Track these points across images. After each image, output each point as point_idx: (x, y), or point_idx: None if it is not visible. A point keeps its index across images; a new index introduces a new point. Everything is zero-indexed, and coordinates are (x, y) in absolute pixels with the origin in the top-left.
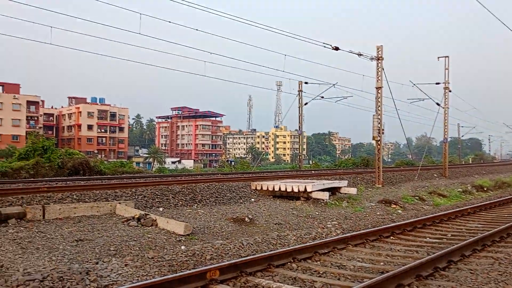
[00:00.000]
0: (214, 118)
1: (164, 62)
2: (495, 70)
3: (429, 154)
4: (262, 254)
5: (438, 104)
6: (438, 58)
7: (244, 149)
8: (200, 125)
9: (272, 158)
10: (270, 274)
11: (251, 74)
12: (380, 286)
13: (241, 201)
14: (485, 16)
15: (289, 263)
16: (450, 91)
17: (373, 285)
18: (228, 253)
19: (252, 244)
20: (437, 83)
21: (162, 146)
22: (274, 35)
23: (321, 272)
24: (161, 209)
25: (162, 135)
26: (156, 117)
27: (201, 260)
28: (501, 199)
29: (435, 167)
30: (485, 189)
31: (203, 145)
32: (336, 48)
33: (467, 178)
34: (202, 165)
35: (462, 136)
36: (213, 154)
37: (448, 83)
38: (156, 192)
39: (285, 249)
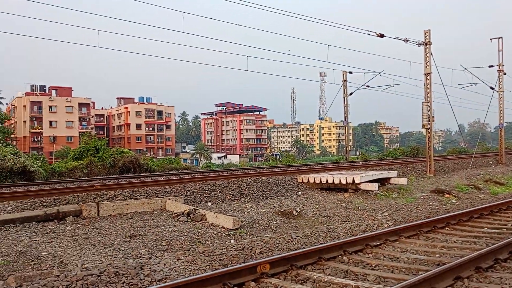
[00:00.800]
0: (258, 113)
1: (207, 59)
2: None
3: (483, 140)
4: (312, 247)
5: (492, 88)
6: (491, 39)
7: (288, 142)
8: (244, 120)
9: (318, 150)
10: (321, 267)
11: (294, 66)
12: (437, 279)
13: (288, 194)
14: None
15: (340, 256)
16: (505, 74)
17: (430, 278)
18: (277, 246)
19: (301, 237)
20: (491, 66)
21: (208, 142)
22: (316, 25)
23: (373, 265)
24: (209, 204)
25: (207, 131)
26: (201, 113)
27: (251, 254)
28: None
29: (490, 154)
30: None
31: (247, 139)
32: (382, 35)
33: None
34: (248, 160)
35: None
36: (258, 148)
37: (503, 65)
38: (204, 187)
39: (335, 242)
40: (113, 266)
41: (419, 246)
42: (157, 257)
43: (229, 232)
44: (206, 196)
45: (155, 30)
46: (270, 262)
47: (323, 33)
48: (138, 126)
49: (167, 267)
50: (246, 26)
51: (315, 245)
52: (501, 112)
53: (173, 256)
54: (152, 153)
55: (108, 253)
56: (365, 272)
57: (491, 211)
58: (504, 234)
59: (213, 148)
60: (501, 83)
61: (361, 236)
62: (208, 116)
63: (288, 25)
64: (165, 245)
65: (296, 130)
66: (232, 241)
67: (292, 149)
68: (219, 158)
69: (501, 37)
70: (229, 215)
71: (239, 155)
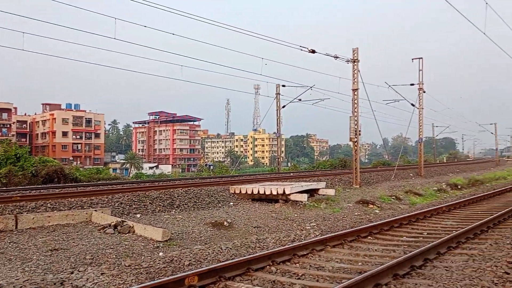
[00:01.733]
0: (192, 123)
1: (140, 67)
2: (468, 70)
3: (405, 154)
4: (241, 258)
5: (413, 105)
6: (412, 59)
7: (222, 153)
8: (177, 129)
9: (251, 161)
10: (249, 278)
11: (228, 78)
12: (358, 287)
13: (220, 205)
14: (457, 17)
15: (268, 266)
16: (424, 92)
17: (351, 286)
18: (206, 258)
19: (231, 249)
20: (412, 84)
21: (139, 151)
22: (251, 38)
23: (300, 274)
24: (138, 215)
25: (139, 141)
26: (133, 122)
27: (179, 266)
28: (475, 196)
29: (411, 166)
30: (459, 187)
31: (181, 149)
32: (313, 51)
33: (442, 177)
34: (180, 170)
35: (437, 135)
36: (191, 159)
37: (422, 84)
38: (133, 199)
39: (264, 252)
40: (30, 283)
41: (343, 255)
42: (79, 271)
43: (158, 244)
44: (135, 208)
45: (87, 36)
46: (199, 274)
47: (258, 46)
48: (65, 133)
49: (90, 282)
50: (181, 35)
51: (245, 256)
52: (421, 127)
53: (97, 270)
54: (79, 162)
55: (26, 269)
56: (291, 282)
57: (409, 221)
58: (420, 242)
59: (145, 158)
60: (421, 100)
61: (289, 246)
62: (140, 125)
63: (225, 37)
64: (89, 259)
65: (230, 141)
66: (160, 254)
67: (225, 159)
68: (151, 168)
69: (421, 58)
70: (159, 227)
71: (172, 165)
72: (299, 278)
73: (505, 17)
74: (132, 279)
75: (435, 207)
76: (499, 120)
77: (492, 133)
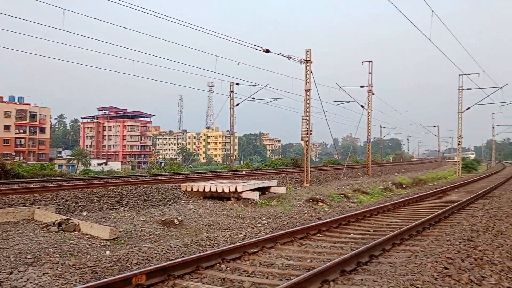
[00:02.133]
0: (143, 119)
1: (90, 60)
2: (415, 72)
3: (354, 153)
4: (191, 257)
5: (362, 106)
6: (363, 62)
7: (174, 150)
8: (128, 125)
9: (203, 159)
10: (199, 276)
11: (182, 75)
12: (306, 283)
13: (171, 203)
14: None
15: (218, 264)
16: (373, 94)
17: (300, 282)
18: (155, 256)
19: (180, 247)
20: (362, 86)
21: (87, 147)
22: (207, 36)
23: (250, 272)
24: (84, 213)
25: (87, 136)
26: (81, 117)
27: (126, 265)
28: (418, 195)
29: (359, 166)
30: (404, 186)
31: (131, 146)
32: (267, 51)
33: (388, 176)
34: (130, 167)
35: (384, 136)
36: (142, 156)
37: (372, 86)
38: (80, 196)
39: (214, 250)
40: None
41: (293, 252)
42: (19, 271)
43: (105, 243)
44: (81, 205)
45: (34, 26)
46: (146, 273)
47: (212, 43)
48: (7, 127)
49: (30, 282)
50: (132, 29)
51: (194, 254)
52: (369, 128)
53: (39, 270)
54: (22, 157)
55: None
56: (241, 279)
57: (357, 218)
58: (366, 239)
59: (93, 154)
60: (370, 102)
61: (239, 244)
62: (89, 120)
63: (181, 33)
64: (31, 258)
65: (183, 138)
66: (107, 252)
67: (177, 157)
68: (99, 164)
69: (371, 61)
70: (106, 225)
71: (122, 162)
72: (248, 276)
73: (449, 24)
74: (76, 279)
75: (381, 205)
76: (441, 123)
77: (435, 135)
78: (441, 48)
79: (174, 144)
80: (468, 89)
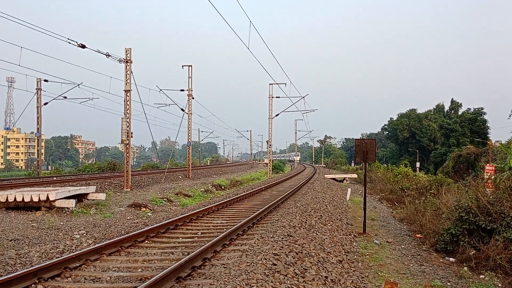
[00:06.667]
0: None
1: None
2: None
3: (173, 157)
4: None
5: (182, 110)
6: (183, 66)
7: None
8: None
9: (2, 164)
10: None
11: None
12: None
13: None
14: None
15: (33, 285)
16: (193, 98)
17: None
18: None
19: None
20: (182, 90)
21: None
22: (12, 24)
23: None
24: None
25: None
26: None
27: None
28: (238, 196)
29: (179, 169)
30: (223, 187)
31: None
32: (83, 46)
33: (207, 178)
34: None
35: (202, 140)
36: None
37: (192, 90)
38: None
39: (27, 270)
40: None
41: (121, 262)
42: None
43: None
44: None
45: None
46: None
47: (17, 33)
48: None
49: None
50: None
51: (2, 277)
52: (190, 131)
53: None
54: None
55: None
56: None
57: (184, 222)
58: (196, 242)
59: None
60: (190, 106)
61: (58, 259)
62: None
63: None
64: None
65: None
66: None
67: None
68: None
69: (191, 65)
70: None
71: None
72: None
73: (264, 35)
74: None
75: (205, 207)
76: (253, 128)
77: (248, 139)
78: (258, 57)
79: None
80: (277, 97)
